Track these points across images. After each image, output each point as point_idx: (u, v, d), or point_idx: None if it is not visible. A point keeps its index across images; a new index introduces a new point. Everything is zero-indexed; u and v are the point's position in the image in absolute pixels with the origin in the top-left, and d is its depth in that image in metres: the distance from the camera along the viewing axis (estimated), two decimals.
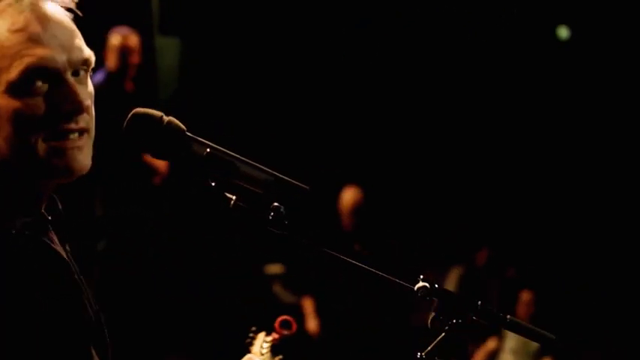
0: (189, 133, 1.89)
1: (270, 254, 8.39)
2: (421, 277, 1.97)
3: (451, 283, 8.27)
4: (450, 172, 9.63)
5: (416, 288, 1.95)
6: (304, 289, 7.14)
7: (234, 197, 1.90)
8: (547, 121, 9.78)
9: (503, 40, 9.69)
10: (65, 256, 1.85)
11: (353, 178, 7.71)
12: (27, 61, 1.67)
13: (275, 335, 2.33)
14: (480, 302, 1.97)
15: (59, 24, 1.75)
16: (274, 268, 8.45)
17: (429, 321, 1.96)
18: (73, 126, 1.74)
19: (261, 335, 2.33)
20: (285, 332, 2.33)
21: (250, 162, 1.90)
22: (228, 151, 1.90)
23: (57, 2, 1.79)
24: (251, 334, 2.33)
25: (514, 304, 7.92)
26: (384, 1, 9.68)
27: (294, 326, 2.34)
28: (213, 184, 1.88)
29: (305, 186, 1.92)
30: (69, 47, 1.74)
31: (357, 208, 7.20)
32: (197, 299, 7.16)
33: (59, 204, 1.92)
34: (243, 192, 1.94)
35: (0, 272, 1.64)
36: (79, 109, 1.74)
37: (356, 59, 9.61)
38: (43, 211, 1.83)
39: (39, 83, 1.70)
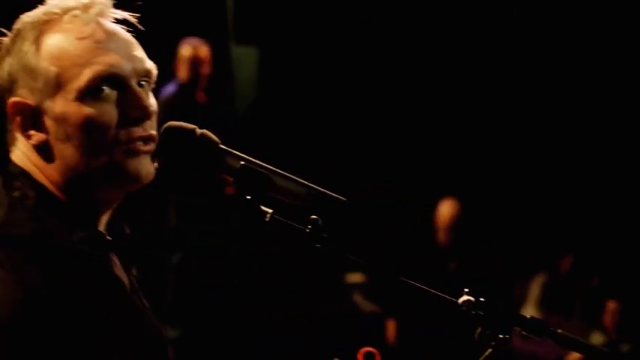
0: (222, 146, 1.87)
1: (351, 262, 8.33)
2: (466, 290, 1.91)
3: (534, 291, 8.11)
4: (533, 177, 9.46)
5: (460, 302, 1.89)
6: (387, 309, 7.03)
7: (270, 211, 1.87)
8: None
9: (592, 38, 9.48)
10: (126, 279, 1.85)
11: (441, 190, 7.52)
12: (96, 68, 1.73)
13: None
14: (529, 316, 1.91)
15: (122, 36, 1.81)
16: (355, 277, 8.41)
17: (476, 336, 1.90)
18: (141, 132, 1.79)
19: None
20: None
21: (286, 174, 1.88)
22: (262, 164, 1.87)
23: (119, 17, 1.85)
24: None
25: (599, 313, 7.73)
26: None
27: (378, 359, 2.27)
28: (248, 197, 1.86)
29: (342, 198, 1.88)
30: (133, 57, 1.80)
31: (455, 223, 6.98)
32: (274, 310, 7.15)
33: (126, 228, 1.94)
34: (281, 205, 1.91)
35: (53, 282, 1.65)
36: (147, 114, 1.80)
37: (453, 67, 9.48)
38: (101, 230, 1.83)
39: (107, 90, 1.75)
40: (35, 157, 1.77)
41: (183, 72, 6.17)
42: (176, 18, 8.38)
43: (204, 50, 6.20)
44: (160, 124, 5.91)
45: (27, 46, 1.75)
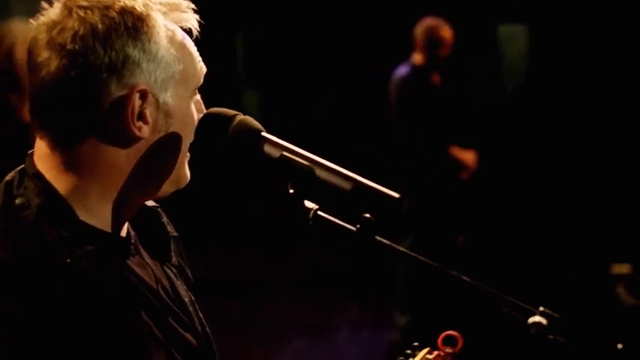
0: (265, 134, 1.68)
1: (620, 253, 7.92)
2: (540, 309, 1.58)
3: None
4: None
5: (529, 322, 1.57)
6: None
7: (315, 207, 1.66)
8: None
9: None
10: (154, 280, 1.71)
11: None
12: (204, 70, 1.72)
13: (437, 352, 2.06)
14: (620, 345, 1.57)
15: None
16: (621, 268, 7.97)
17: None
18: None
19: (424, 352, 2.07)
20: (448, 350, 2.05)
21: (332, 167, 1.66)
22: (306, 154, 1.66)
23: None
24: (409, 351, 2.08)
25: None
26: None
27: (460, 343, 2.05)
28: (291, 191, 1.66)
29: (395, 194, 1.63)
30: None
31: None
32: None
33: (163, 216, 1.82)
34: (328, 201, 1.69)
35: (29, 311, 1.50)
36: None
37: None
38: (123, 233, 1.69)
39: (197, 94, 1.72)
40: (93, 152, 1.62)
41: (419, 53, 5.87)
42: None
43: (444, 30, 5.84)
44: (394, 106, 5.72)
45: (159, 36, 1.64)
